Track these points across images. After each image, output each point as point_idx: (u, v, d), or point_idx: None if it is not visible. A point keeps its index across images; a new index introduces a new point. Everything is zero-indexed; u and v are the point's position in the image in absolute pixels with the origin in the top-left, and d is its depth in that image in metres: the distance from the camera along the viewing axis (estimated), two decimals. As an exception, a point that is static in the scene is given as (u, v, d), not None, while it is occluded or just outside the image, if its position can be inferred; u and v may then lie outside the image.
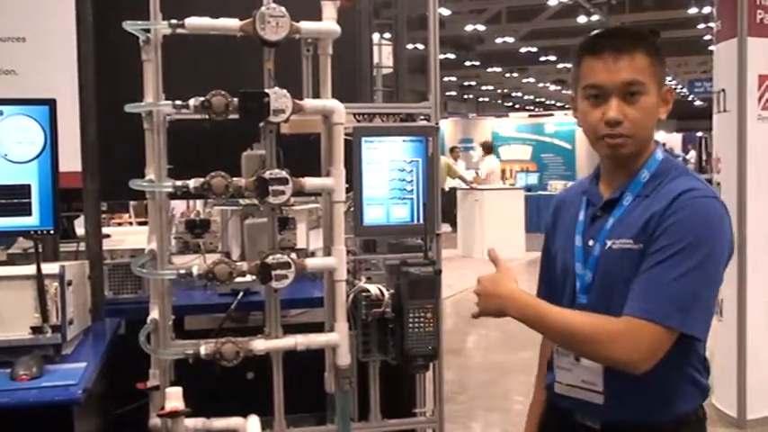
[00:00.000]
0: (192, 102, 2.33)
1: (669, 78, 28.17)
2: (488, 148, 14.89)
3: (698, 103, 31.78)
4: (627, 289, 1.64)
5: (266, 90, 2.37)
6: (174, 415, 2.24)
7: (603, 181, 1.82)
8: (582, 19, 17.66)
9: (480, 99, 35.14)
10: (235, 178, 2.36)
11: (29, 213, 2.40)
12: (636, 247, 1.66)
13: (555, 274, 1.89)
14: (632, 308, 1.61)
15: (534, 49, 22.94)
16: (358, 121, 2.91)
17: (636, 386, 1.67)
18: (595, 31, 1.82)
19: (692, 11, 17.31)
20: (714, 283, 1.64)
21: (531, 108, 35.38)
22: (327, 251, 2.55)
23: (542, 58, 23.93)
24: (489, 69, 24.90)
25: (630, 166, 1.75)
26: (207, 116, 2.34)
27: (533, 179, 15.80)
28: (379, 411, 2.84)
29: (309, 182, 2.45)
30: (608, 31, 1.78)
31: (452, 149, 15.42)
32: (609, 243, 1.71)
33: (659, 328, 1.58)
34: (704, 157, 23.15)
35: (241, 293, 2.89)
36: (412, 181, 2.76)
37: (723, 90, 4.99)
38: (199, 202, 5.09)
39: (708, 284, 1.62)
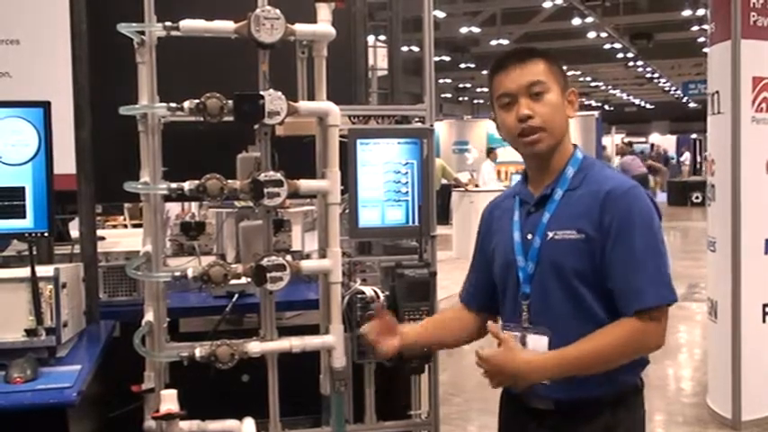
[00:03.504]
0: (186, 104, 2.33)
1: (664, 80, 28.26)
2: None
3: (692, 104, 31.87)
4: (572, 275, 1.86)
5: (261, 92, 2.37)
6: (169, 417, 2.24)
7: (531, 182, 2.03)
8: (576, 21, 17.65)
9: (475, 101, 35.16)
10: (230, 180, 2.36)
11: (23, 216, 2.40)
12: (578, 237, 1.87)
13: (490, 270, 2.08)
14: (640, 301, 1.81)
15: (529, 52, 22.87)
16: (353, 122, 2.91)
17: None
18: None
19: (686, 13, 17.31)
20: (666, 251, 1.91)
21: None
22: (322, 253, 2.55)
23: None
24: (484, 71, 24.89)
25: (555, 166, 1.96)
26: (202, 118, 2.33)
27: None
28: (374, 413, 2.84)
29: (304, 184, 2.45)
30: (509, 51, 2.02)
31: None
32: (550, 234, 1.90)
33: (665, 308, 1.84)
34: (698, 159, 23.23)
35: (236, 296, 2.89)
36: (407, 183, 2.76)
37: (717, 92, 5.00)
38: (194, 205, 5.09)
39: (666, 255, 1.88)
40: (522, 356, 1.84)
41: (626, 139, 24.21)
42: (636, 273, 1.82)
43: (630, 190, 1.88)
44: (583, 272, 1.86)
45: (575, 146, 2.01)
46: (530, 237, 1.94)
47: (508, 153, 16.93)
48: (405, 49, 4.54)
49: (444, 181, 13.42)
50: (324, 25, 2.50)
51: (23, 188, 2.40)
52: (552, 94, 1.91)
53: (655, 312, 1.81)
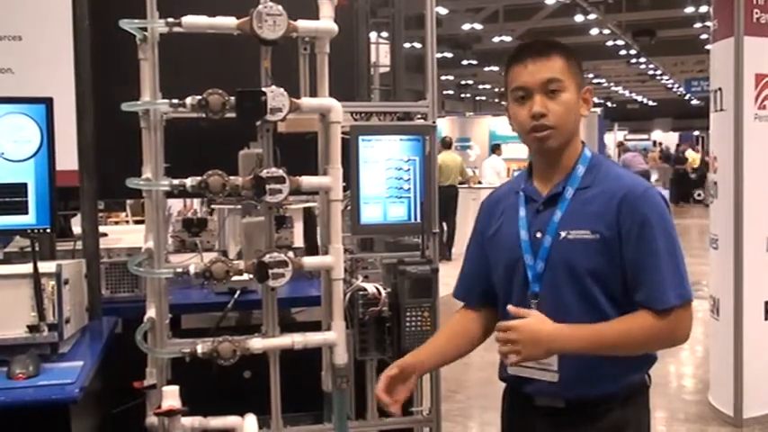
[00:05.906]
0: (188, 100, 2.33)
1: (666, 78, 28.22)
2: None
3: (695, 102, 31.82)
4: (586, 274, 1.85)
5: (263, 89, 2.37)
6: (171, 414, 2.24)
7: (538, 178, 1.99)
8: (579, 18, 17.64)
9: (477, 98, 35.12)
10: (232, 177, 2.36)
11: (25, 212, 2.40)
12: (592, 237, 1.85)
13: (487, 263, 2.05)
14: (669, 298, 1.81)
15: (531, 48, 22.84)
16: (355, 119, 2.91)
17: (590, 362, 1.85)
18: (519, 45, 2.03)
19: (689, 10, 17.30)
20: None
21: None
22: (324, 250, 2.56)
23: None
24: (486, 68, 24.87)
25: (564, 163, 1.94)
26: (204, 115, 2.33)
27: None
28: (376, 410, 2.84)
29: (306, 180, 2.45)
30: (528, 42, 2.00)
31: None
32: (563, 234, 1.88)
33: (689, 305, 1.84)
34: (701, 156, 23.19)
35: (238, 292, 2.89)
36: (409, 180, 2.76)
37: (720, 89, 5.00)
38: (196, 201, 5.09)
39: (682, 254, 1.88)
40: (555, 325, 1.81)
41: (627, 137, 24.22)
42: (658, 274, 1.81)
43: (646, 192, 1.88)
44: (596, 272, 1.85)
45: (583, 143, 1.99)
46: (539, 235, 1.91)
47: (509, 150, 16.96)
48: (407, 45, 4.54)
49: (460, 178, 13.13)
50: (326, 22, 2.49)
51: (26, 184, 2.40)
52: (568, 93, 1.88)
53: (678, 310, 1.81)
